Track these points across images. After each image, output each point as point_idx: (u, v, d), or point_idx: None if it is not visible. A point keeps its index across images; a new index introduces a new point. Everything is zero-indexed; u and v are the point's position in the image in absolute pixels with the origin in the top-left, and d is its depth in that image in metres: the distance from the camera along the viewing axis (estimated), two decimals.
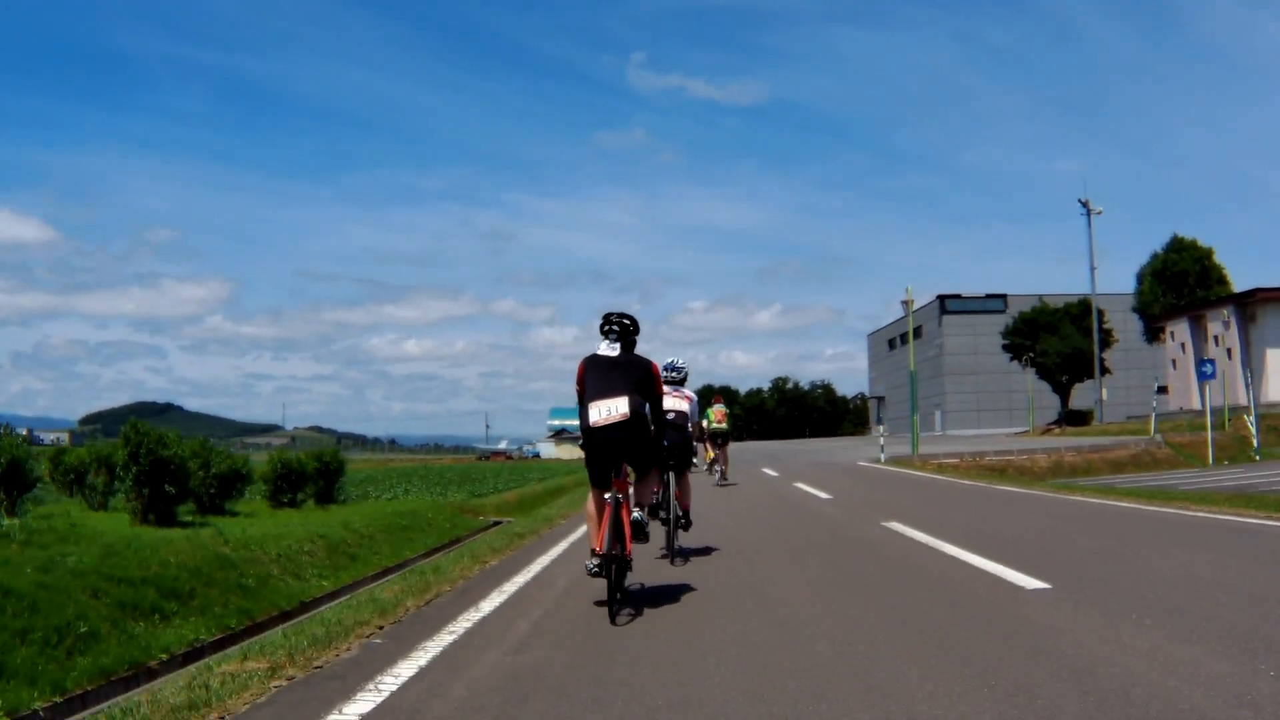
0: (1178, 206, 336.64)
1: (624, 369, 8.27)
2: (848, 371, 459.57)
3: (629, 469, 8.49)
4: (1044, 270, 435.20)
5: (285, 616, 16.22)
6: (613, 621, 7.48)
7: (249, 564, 17.65)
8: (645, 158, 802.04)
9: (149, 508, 23.39)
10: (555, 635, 7.02)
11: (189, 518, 25.53)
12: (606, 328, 8.52)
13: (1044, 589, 8.18)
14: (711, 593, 8.71)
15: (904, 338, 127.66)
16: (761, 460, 45.80)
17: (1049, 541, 11.91)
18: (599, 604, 8.08)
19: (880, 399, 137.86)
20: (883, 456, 40.29)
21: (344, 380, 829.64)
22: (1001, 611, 7.27)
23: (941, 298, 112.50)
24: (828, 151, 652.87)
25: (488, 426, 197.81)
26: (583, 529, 13.42)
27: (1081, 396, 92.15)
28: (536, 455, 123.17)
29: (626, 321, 8.55)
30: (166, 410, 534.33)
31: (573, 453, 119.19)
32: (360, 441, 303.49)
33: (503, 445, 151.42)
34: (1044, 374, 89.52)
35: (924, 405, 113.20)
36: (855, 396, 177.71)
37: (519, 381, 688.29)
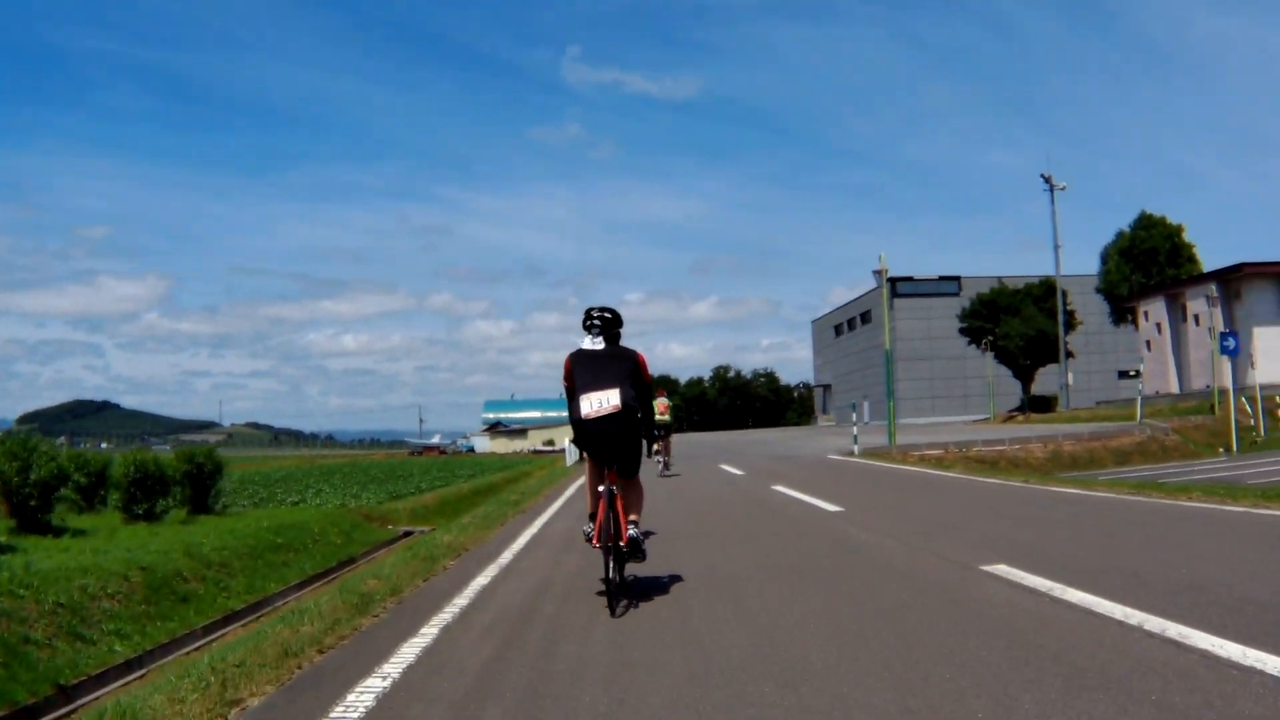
0: (1116, 197, 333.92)
1: (612, 361, 8.25)
2: (785, 361, 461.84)
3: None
4: (991, 258, 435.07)
5: (27, 715, 10.35)
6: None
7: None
8: (580, 152, 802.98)
9: None
10: None
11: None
12: (588, 322, 8.45)
13: None
14: None
15: (850, 323, 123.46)
16: (714, 454, 40.47)
17: None
18: None
19: (826, 387, 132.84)
20: (856, 448, 34.79)
21: (281, 376, 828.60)
22: None
23: (892, 280, 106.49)
24: (763, 146, 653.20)
25: (421, 420, 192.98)
26: (478, 583, 9.07)
27: (1043, 382, 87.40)
28: (471, 450, 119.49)
29: (608, 315, 8.50)
30: (104, 408, 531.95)
31: (508, 446, 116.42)
32: (297, 437, 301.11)
33: (435, 440, 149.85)
34: (1004, 358, 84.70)
35: (873, 392, 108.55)
36: (799, 385, 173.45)
37: (455, 376, 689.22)
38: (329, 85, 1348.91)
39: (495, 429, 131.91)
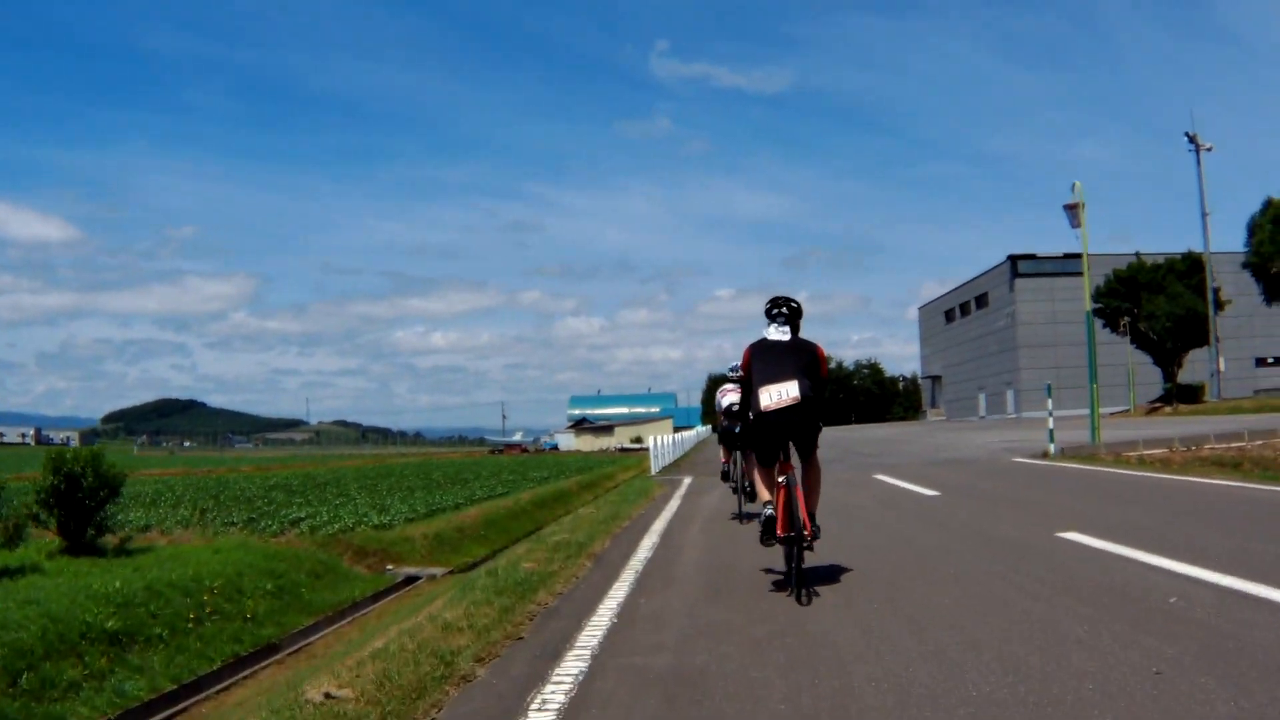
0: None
1: (792, 353, 8.12)
2: (877, 356, 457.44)
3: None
4: (1095, 245, 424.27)
5: None
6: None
7: None
8: (670, 147, 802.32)
9: None
10: None
11: None
12: (774, 311, 8.39)
13: None
14: None
15: (964, 308, 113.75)
16: (847, 456, 32.64)
17: None
18: None
19: (935, 378, 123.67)
20: (1052, 447, 26.61)
21: (369, 374, 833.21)
22: None
23: (1013, 258, 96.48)
24: (851, 140, 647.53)
25: (504, 417, 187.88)
26: None
27: (1186, 369, 78.10)
28: (554, 447, 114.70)
29: (794, 305, 8.45)
30: (190, 407, 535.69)
31: (593, 444, 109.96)
32: (385, 435, 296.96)
33: (517, 437, 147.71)
34: (1143, 343, 75.56)
35: (992, 383, 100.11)
36: (902, 377, 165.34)
37: (543, 373, 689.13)
38: (416, 83, 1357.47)
39: (580, 425, 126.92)
